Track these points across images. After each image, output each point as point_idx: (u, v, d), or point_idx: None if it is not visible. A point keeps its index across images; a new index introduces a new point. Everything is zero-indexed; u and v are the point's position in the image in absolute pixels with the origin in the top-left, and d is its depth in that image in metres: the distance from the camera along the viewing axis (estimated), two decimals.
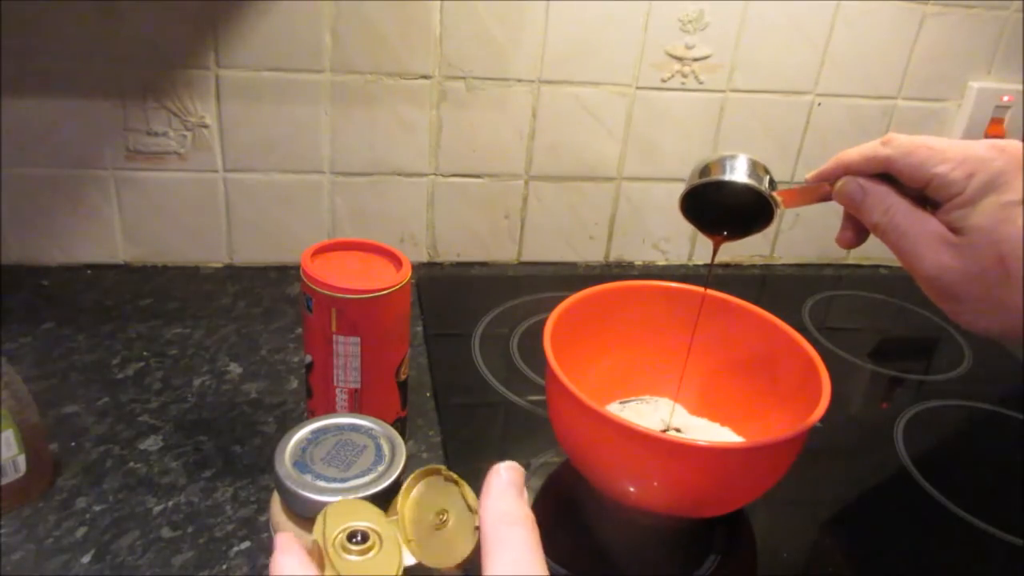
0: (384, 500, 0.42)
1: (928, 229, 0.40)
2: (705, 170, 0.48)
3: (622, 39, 0.84)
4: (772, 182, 0.47)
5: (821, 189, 0.46)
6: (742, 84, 0.89)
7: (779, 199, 0.47)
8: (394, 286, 0.54)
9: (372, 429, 0.45)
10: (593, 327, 0.62)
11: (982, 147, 0.40)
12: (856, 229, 0.46)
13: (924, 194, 0.41)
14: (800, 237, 0.99)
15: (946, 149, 0.40)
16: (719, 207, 0.50)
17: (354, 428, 0.45)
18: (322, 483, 0.40)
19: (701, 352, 0.63)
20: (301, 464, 0.41)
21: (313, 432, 0.44)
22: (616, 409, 0.64)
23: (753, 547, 0.58)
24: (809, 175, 0.47)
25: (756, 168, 0.47)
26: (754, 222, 0.50)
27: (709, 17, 0.84)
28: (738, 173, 0.47)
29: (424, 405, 0.68)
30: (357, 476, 0.41)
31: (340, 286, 0.53)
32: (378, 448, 0.43)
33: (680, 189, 0.50)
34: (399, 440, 0.44)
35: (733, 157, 0.48)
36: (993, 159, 0.39)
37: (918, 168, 0.40)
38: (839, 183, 0.44)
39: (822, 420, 0.50)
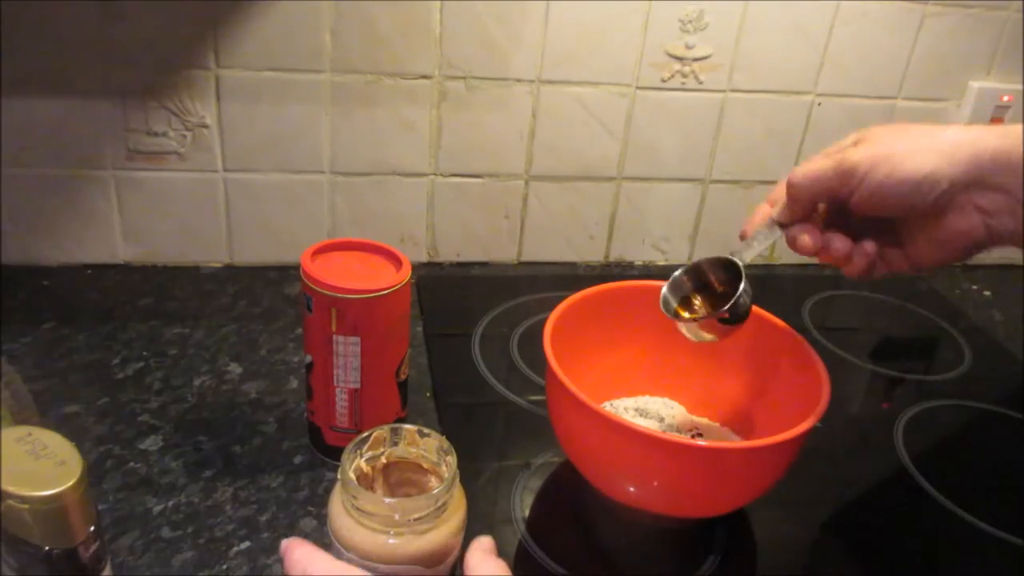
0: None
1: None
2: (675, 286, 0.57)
3: (622, 39, 0.84)
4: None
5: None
6: (742, 84, 0.89)
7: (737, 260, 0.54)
8: (394, 286, 0.54)
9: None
10: (593, 327, 0.62)
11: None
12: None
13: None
14: None
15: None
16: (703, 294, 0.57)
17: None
18: None
19: (701, 352, 0.63)
20: None
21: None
22: (616, 408, 0.64)
23: (753, 547, 0.58)
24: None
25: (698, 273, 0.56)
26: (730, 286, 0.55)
27: (709, 17, 0.84)
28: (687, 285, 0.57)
29: (424, 405, 0.68)
30: None
31: (340, 286, 0.53)
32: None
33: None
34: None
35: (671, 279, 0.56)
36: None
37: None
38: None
39: (822, 420, 0.50)
